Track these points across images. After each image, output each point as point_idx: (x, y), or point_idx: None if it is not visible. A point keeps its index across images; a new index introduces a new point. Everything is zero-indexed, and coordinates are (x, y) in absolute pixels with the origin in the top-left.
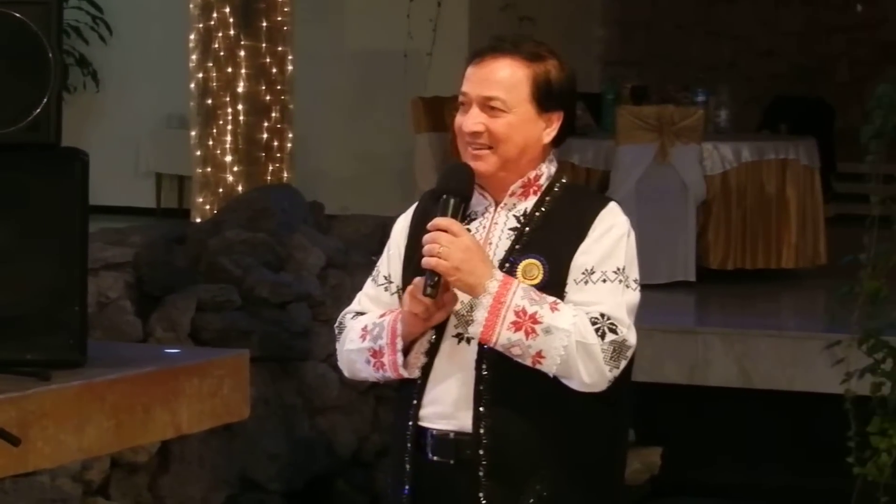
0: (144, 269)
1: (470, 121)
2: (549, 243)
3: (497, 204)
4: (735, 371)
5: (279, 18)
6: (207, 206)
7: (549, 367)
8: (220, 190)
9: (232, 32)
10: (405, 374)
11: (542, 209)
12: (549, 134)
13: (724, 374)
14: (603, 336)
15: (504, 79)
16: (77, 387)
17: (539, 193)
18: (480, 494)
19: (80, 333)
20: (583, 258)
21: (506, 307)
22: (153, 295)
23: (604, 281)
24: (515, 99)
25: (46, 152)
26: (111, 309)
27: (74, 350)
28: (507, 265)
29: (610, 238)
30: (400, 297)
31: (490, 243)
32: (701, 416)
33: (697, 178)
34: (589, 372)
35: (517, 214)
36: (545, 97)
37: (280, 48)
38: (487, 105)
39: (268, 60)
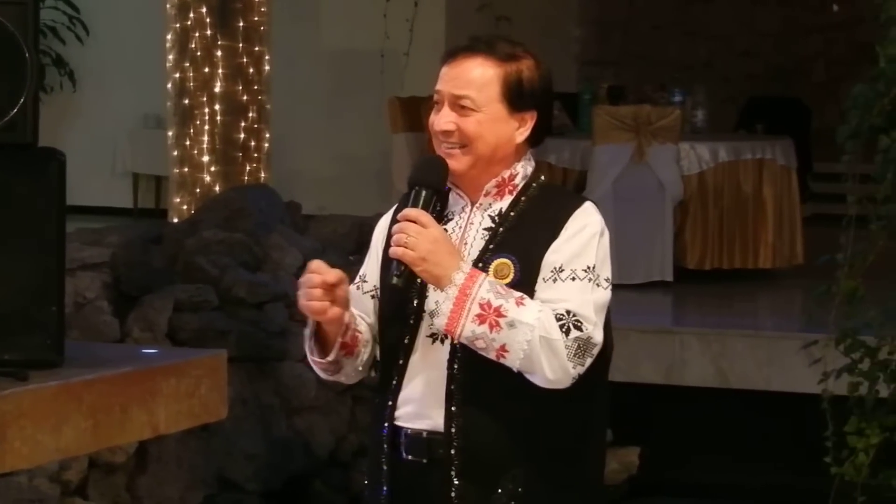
0: (122, 269)
1: (441, 119)
2: (522, 243)
3: (473, 204)
4: (712, 371)
5: (256, 18)
6: (185, 206)
7: (513, 361)
8: (198, 190)
9: (209, 32)
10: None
11: (517, 209)
12: (522, 134)
13: (702, 373)
14: (567, 332)
15: (475, 78)
16: (54, 387)
17: (515, 193)
18: (452, 493)
19: (57, 333)
20: (553, 256)
21: (471, 299)
22: (130, 295)
23: (573, 279)
24: (485, 98)
25: (23, 152)
26: (88, 309)
27: (52, 350)
28: (479, 265)
29: (582, 237)
30: (373, 297)
31: (465, 243)
32: (678, 415)
33: (674, 177)
34: (552, 368)
35: (492, 214)
36: (516, 97)
37: (257, 48)
38: (458, 104)
39: (245, 60)
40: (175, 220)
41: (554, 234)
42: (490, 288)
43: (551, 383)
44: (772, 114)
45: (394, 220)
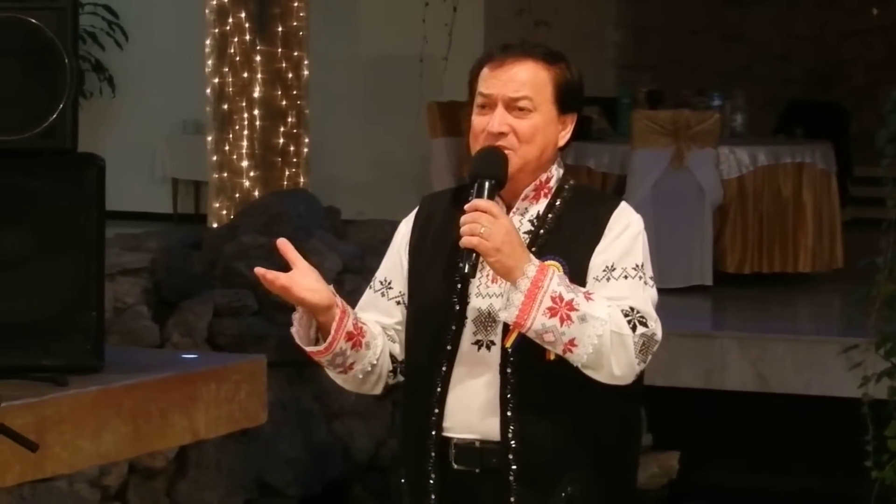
0: (161, 275)
1: (497, 121)
2: (566, 245)
3: (509, 209)
4: (752, 375)
5: (294, 23)
6: (224, 212)
7: (580, 356)
8: (237, 195)
9: (247, 37)
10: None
11: (554, 211)
12: (564, 137)
13: (741, 378)
14: (634, 328)
15: (530, 79)
16: (94, 392)
17: (549, 196)
18: (512, 500)
19: (96, 339)
20: (602, 256)
21: (543, 292)
22: (170, 300)
23: (625, 277)
24: (541, 99)
25: (62, 158)
26: (128, 314)
27: (91, 355)
28: None
29: (627, 236)
30: (398, 303)
31: None
32: (718, 420)
33: (714, 182)
34: (620, 363)
35: (530, 218)
36: (565, 98)
37: (296, 53)
38: (515, 106)
39: (283, 65)
40: (214, 226)
41: (598, 235)
42: (560, 282)
43: (616, 379)
44: (811, 118)
45: (417, 224)
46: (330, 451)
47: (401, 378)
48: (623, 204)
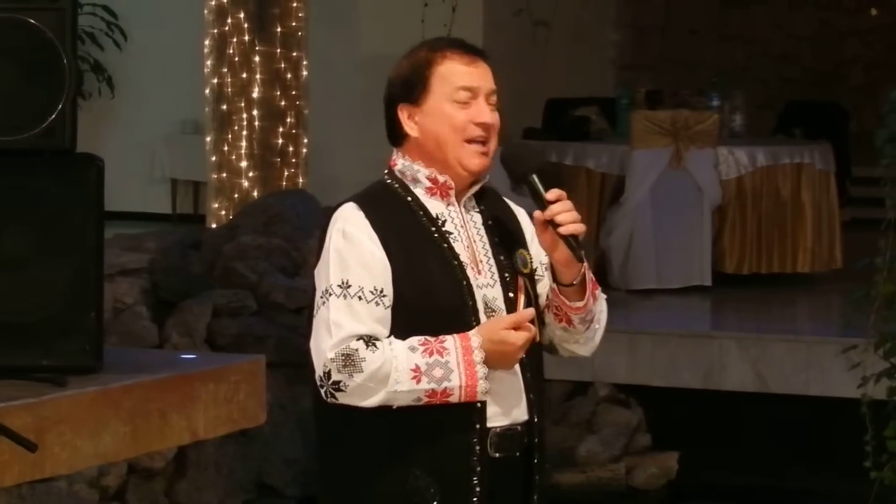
0: (160, 275)
1: (487, 113)
2: (514, 237)
3: (458, 203)
4: (751, 375)
5: (294, 24)
6: (223, 212)
7: (593, 330)
8: (236, 195)
9: (247, 38)
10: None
11: (484, 205)
12: None
13: (740, 378)
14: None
15: (491, 74)
16: (93, 392)
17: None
18: (536, 478)
19: (95, 339)
20: (536, 249)
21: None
22: (169, 300)
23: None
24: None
25: (61, 158)
26: (127, 315)
27: (90, 356)
28: (501, 258)
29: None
30: (388, 309)
31: (473, 241)
32: (717, 420)
33: (713, 182)
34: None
35: (474, 211)
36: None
37: (295, 53)
38: (490, 100)
39: (283, 66)
40: (213, 226)
41: (521, 229)
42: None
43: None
44: (810, 118)
45: (379, 224)
46: None
47: None
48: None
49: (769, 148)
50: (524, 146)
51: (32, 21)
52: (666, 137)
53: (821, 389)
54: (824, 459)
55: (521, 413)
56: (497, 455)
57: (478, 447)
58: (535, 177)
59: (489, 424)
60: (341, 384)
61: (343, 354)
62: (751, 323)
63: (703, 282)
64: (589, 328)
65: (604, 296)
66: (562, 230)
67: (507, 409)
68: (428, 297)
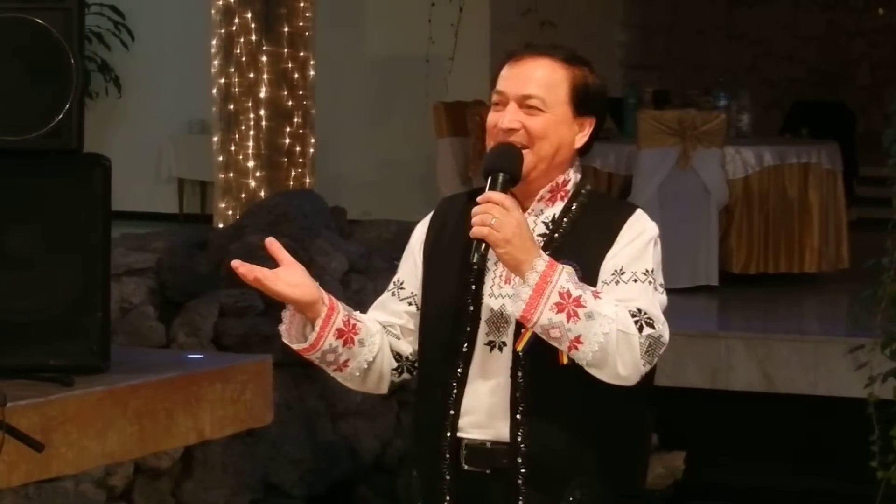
0: (167, 275)
1: (507, 117)
2: (580, 249)
3: (524, 209)
4: (758, 375)
5: (301, 24)
6: (230, 212)
7: (585, 353)
8: (243, 195)
9: (254, 38)
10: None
11: (570, 215)
12: (581, 139)
13: (747, 378)
14: (641, 329)
15: (542, 77)
16: (100, 392)
17: (566, 199)
18: (520, 502)
19: (102, 339)
20: (612, 261)
21: (551, 287)
22: (175, 300)
23: (634, 280)
24: (554, 99)
25: (68, 158)
26: (134, 314)
27: (97, 356)
28: None
29: (639, 242)
30: (409, 304)
31: None
32: (724, 420)
33: (719, 182)
34: (625, 363)
35: (545, 220)
36: (582, 101)
37: (302, 53)
38: (525, 104)
39: (290, 66)
40: (220, 226)
41: (610, 241)
42: (569, 278)
43: (621, 379)
44: (817, 118)
45: (432, 226)
46: (336, 452)
47: (407, 376)
48: (638, 212)
49: (776, 148)
50: (506, 147)
51: (39, 21)
52: (673, 137)
53: (827, 389)
54: (831, 459)
55: (500, 431)
56: (470, 468)
57: (447, 455)
58: (491, 176)
59: (460, 434)
60: None
61: None
62: (758, 323)
63: (710, 281)
64: (578, 351)
65: (605, 316)
66: (471, 232)
67: (483, 424)
68: (432, 304)
